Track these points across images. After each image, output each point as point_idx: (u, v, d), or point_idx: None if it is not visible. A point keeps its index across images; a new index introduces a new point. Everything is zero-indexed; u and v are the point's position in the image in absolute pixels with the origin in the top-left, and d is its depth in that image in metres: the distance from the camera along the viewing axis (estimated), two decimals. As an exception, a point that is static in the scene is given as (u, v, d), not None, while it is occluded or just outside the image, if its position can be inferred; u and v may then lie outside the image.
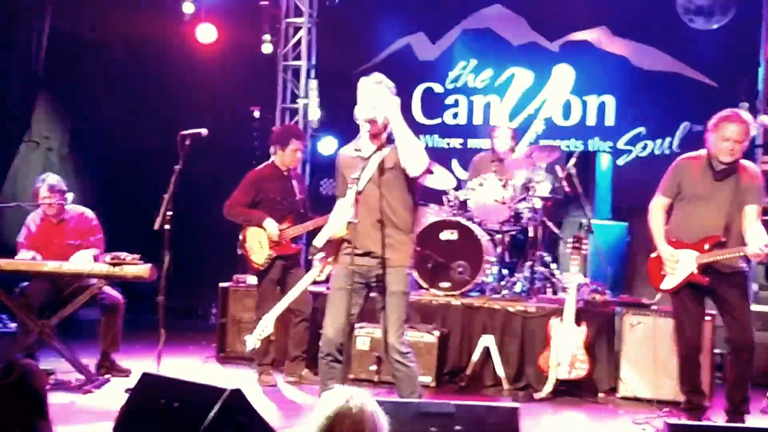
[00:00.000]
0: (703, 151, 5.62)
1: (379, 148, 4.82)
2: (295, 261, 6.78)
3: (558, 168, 7.55)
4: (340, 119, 9.91)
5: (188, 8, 9.28)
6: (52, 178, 6.85)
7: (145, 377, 3.91)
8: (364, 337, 6.86)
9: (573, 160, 7.53)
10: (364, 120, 4.77)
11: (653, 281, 5.76)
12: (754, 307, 6.73)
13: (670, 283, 5.62)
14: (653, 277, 5.74)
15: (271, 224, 6.60)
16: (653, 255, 5.76)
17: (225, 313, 7.80)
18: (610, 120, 9.65)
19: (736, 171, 5.51)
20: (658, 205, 5.73)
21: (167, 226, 5.80)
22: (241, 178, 6.91)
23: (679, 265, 5.54)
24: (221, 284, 7.87)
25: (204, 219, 8.71)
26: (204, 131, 6.06)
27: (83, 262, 6.48)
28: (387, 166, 4.79)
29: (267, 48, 9.52)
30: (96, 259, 6.66)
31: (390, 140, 4.85)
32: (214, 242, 9.58)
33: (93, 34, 9.49)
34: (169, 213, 5.80)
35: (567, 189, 7.43)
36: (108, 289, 6.66)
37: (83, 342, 7.24)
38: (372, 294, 4.96)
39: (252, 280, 7.57)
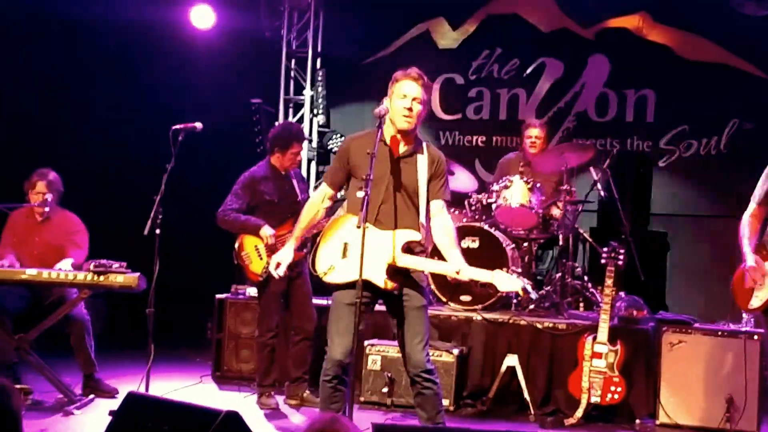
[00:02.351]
0: None
1: (399, 155, 4.80)
2: (300, 269, 6.73)
3: (592, 170, 7.54)
4: (349, 113, 9.98)
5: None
6: (52, 175, 6.93)
7: (131, 397, 3.90)
8: (375, 356, 6.87)
9: (609, 161, 7.52)
10: (390, 119, 4.76)
11: (740, 300, 5.41)
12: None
13: (758, 300, 5.26)
14: (739, 295, 5.41)
15: (267, 230, 6.60)
16: (738, 271, 5.44)
17: (222, 328, 7.82)
18: (650, 116, 9.62)
19: None
20: (746, 213, 5.44)
21: (158, 231, 5.79)
22: (237, 176, 6.90)
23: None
24: (218, 296, 7.88)
25: (198, 223, 8.71)
26: (198, 125, 6.07)
27: (64, 269, 6.51)
28: (403, 179, 4.79)
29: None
30: (80, 263, 6.69)
31: (417, 145, 4.82)
32: (210, 249, 9.57)
33: (78, 18, 9.51)
34: (160, 216, 5.80)
35: (602, 193, 7.41)
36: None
37: (64, 358, 7.25)
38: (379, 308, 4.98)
39: (252, 291, 7.57)
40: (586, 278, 7.72)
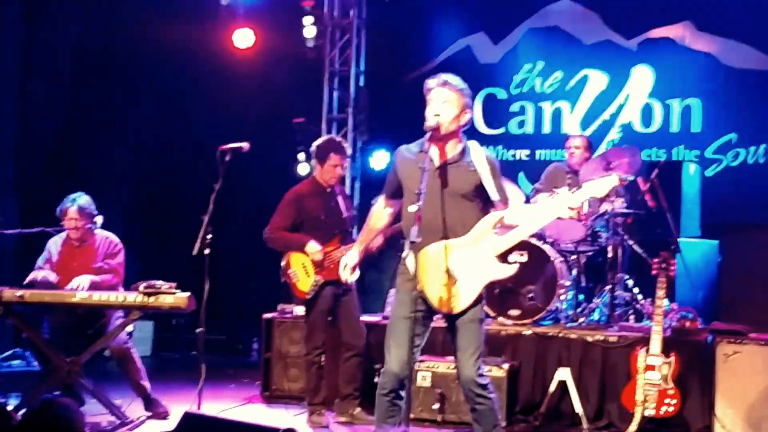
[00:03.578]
0: None
1: (445, 161, 4.79)
2: (347, 286, 6.69)
3: (639, 180, 7.47)
4: (391, 130, 9.98)
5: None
6: (83, 200, 6.91)
7: (188, 418, 3.92)
8: (425, 371, 6.83)
9: (656, 171, 7.45)
10: (426, 127, 4.75)
11: None
12: None
13: None
14: None
15: (313, 247, 6.61)
16: None
17: (270, 347, 7.82)
18: (696, 126, 9.53)
19: None
20: None
21: (207, 251, 5.83)
22: (281, 196, 6.92)
23: None
24: (265, 315, 7.89)
25: (243, 242, 8.77)
26: (245, 146, 6.12)
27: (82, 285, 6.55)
28: (454, 185, 4.77)
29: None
30: (113, 286, 6.75)
31: (463, 152, 4.82)
32: (255, 268, 9.66)
33: (121, 43, 9.66)
34: (209, 236, 5.83)
35: (650, 203, 7.35)
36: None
37: (112, 379, 7.33)
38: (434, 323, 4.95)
39: (299, 309, 7.57)
40: (636, 290, 7.64)
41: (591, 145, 8.15)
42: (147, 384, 6.82)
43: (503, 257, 4.84)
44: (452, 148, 4.81)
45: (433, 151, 4.75)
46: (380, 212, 5.10)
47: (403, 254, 4.82)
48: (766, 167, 9.20)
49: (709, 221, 8.72)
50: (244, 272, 9.75)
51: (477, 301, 4.77)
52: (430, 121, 4.71)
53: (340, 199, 6.89)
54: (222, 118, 9.46)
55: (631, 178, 4.93)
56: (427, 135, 4.72)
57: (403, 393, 4.78)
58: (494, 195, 4.79)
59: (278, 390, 7.73)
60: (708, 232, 8.63)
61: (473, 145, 4.88)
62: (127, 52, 9.65)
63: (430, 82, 4.82)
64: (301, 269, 6.67)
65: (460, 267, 4.70)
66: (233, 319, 10.89)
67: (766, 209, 9.08)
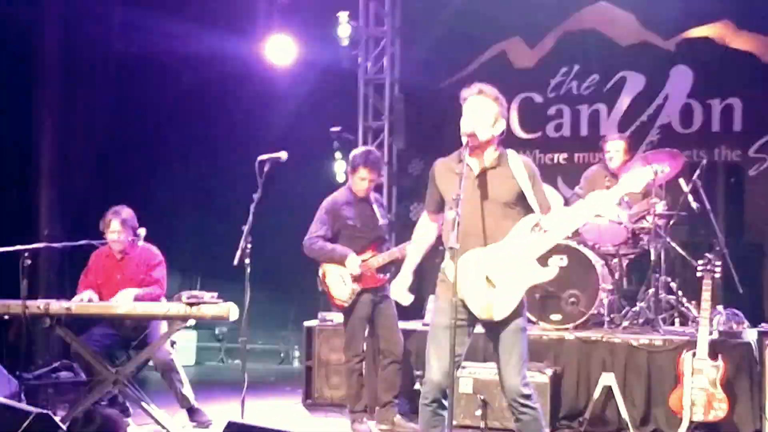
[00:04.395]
0: None
1: (485, 169, 4.71)
2: (384, 294, 6.68)
3: (682, 181, 7.35)
4: (427, 137, 9.93)
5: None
6: (126, 212, 6.94)
7: (231, 427, 3.88)
8: (467, 378, 6.75)
9: (698, 172, 7.32)
10: (462, 134, 4.68)
11: None
12: None
13: None
14: None
15: (353, 261, 6.55)
16: None
17: (311, 355, 7.80)
18: (737, 125, 9.33)
19: None
20: None
21: (247, 261, 5.79)
22: (319, 206, 6.88)
23: None
24: (306, 323, 7.86)
25: (280, 252, 8.74)
26: (284, 155, 6.06)
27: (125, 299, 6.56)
28: (494, 193, 4.68)
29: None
30: (156, 298, 6.74)
31: (501, 160, 4.73)
32: (293, 277, 9.63)
33: (158, 57, 9.68)
34: (249, 246, 5.79)
35: (694, 205, 7.22)
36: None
37: (157, 389, 7.31)
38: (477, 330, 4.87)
39: (340, 317, 7.53)
40: (680, 293, 7.49)
41: (631, 147, 8.01)
42: (191, 394, 6.81)
43: (543, 260, 4.74)
44: (490, 157, 4.73)
45: (471, 160, 4.67)
46: (426, 229, 5.03)
47: (443, 263, 4.75)
48: (808, 166, 9.01)
49: (752, 222, 8.56)
50: (282, 281, 9.72)
51: (519, 309, 4.68)
52: (465, 129, 4.65)
53: (375, 206, 6.83)
54: (260, 127, 9.46)
55: (667, 169, 4.81)
56: (464, 145, 4.65)
57: (445, 402, 4.71)
58: (534, 203, 4.71)
59: (320, 397, 7.73)
60: (752, 233, 8.47)
61: (512, 153, 4.81)
62: (165, 64, 9.66)
63: (465, 92, 4.76)
64: (338, 278, 6.62)
65: (499, 273, 4.61)
66: (273, 328, 10.90)
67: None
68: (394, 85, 9.93)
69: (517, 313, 4.67)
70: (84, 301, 6.56)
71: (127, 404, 6.82)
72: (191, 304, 6.20)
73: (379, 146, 9.72)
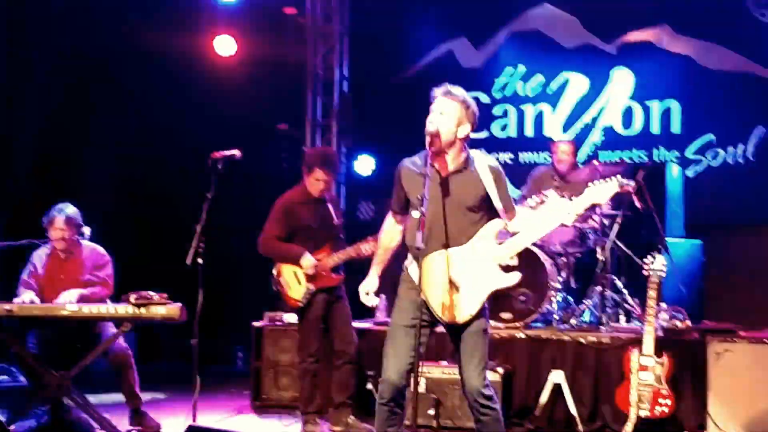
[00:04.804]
0: None
1: (449, 172, 4.69)
2: (338, 294, 6.65)
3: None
4: (376, 135, 9.92)
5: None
6: (71, 209, 6.71)
7: (192, 431, 3.82)
8: (419, 377, 6.71)
9: (642, 173, 7.41)
10: (426, 134, 4.66)
11: None
12: None
13: None
14: None
15: (308, 260, 6.49)
16: None
17: (260, 356, 7.69)
18: (675, 127, 9.54)
19: None
20: None
21: (200, 261, 5.70)
22: (266, 204, 6.80)
23: None
24: (255, 323, 7.77)
25: (224, 251, 8.65)
26: (237, 153, 5.98)
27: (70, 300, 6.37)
28: (458, 196, 4.67)
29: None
30: (102, 299, 6.58)
31: (467, 163, 4.71)
32: (236, 276, 9.54)
33: (101, 52, 9.50)
34: (202, 246, 5.71)
35: (638, 205, 7.31)
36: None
37: (101, 393, 7.18)
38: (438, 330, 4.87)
39: (290, 317, 7.49)
40: (625, 291, 7.59)
41: (577, 150, 8.12)
42: (140, 395, 6.67)
43: (505, 265, 4.74)
44: (455, 159, 4.70)
45: (436, 162, 4.65)
46: (392, 229, 4.96)
47: (406, 262, 4.73)
48: (745, 167, 9.21)
49: (692, 221, 8.71)
50: (224, 280, 9.62)
51: (481, 311, 4.68)
52: (428, 129, 4.63)
53: (330, 206, 6.77)
54: (206, 125, 9.32)
55: (633, 183, 4.83)
56: (427, 145, 4.62)
57: (402, 401, 4.71)
58: (499, 207, 4.70)
59: (269, 399, 7.62)
60: (692, 232, 8.61)
61: (477, 154, 4.77)
62: (109, 60, 9.48)
63: (436, 92, 4.74)
64: (293, 278, 6.55)
65: (463, 276, 4.61)
66: (215, 328, 10.74)
67: (747, 209, 9.10)
68: (342, 83, 9.87)
69: (479, 315, 4.67)
70: (26, 303, 6.33)
71: (71, 409, 6.60)
72: (139, 305, 6.09)
73: (327, 144, 9.69)
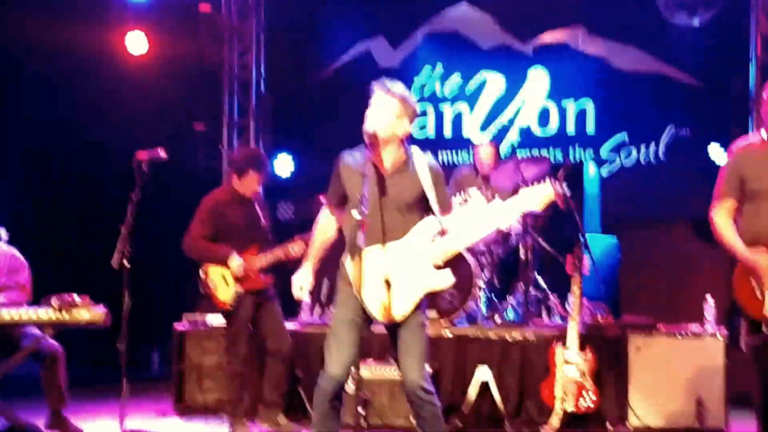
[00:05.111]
0: (762, 133, 4.81)
1: (387, 169, 4.68)
2: (268, 294, 6.59)
3: (549, 181, 7.53)
4: (295, 134, 9.86)
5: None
6: None
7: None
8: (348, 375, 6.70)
9: (562, 172, 7.52)
10: (364, 130, 4.63)
11: (750, 308, 4.68)
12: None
13: None
14: (747, 301, 4.69)
15: (236, 261, 6.40)
16: (738, 279, 4.79)
17: (182, 359, 7.55)
18: (590, 127, 9.73)
19: None
20: (721, 211, 4.80)
21: (126, 263, 5.58)
22: (181, 205, 6.69)
23: None
24: (177, 326, 7.63)
25: (137, 252, 8.48)
26: (163, 153, 5.87)
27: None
28: (396, 194, 4.65)
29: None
30: (19, 304, 6.34)
31: (406, 161, 4.71)
32: (149, 278, 9.34)
33: (8, 47, 9.21)
34: (128, 248, 5.59)
35: (560, 203, 7.41)
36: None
37: (22, 399, 6.95)
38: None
39: (213, 319, 7.41)
40: (547, 288, 7.71)
41: (499, 151, 8.21)
42: (67, 398, 6.49)
43: (440, 266, 4.74)
44: (393, 156, 4.68)
45: (375, 158, 4.63)
46: (327, 223, 4.92)
47: (344, 257, 4.71)
48: (657, 166, 9.46)
49: (608, 218, 8.89)
50: (137, 282, 9.43)
51: (418, 308, 4.68)
52: (366, 126, 4.61)
53: (258, 207, 6.70)
54: (120, 124, 9.12)
55: (567, 193, 4.87)
56: (367, 141, 4.61)
57: (342, 397, 4.69)
58: (434, 205, 4.70)
59: (193, 402, 7.46)
60: (608, 229, 8.79)
61: (417, 152, 4.76)
62: (18, 56, 9.21)
63: (375, 87, 4.70)
64: (221, 279, 6.45)
65: (398, 275, 4.57)
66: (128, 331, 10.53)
67: (659, 206, 9.34)
68: (259, 82, 9.78)
69: (416, 311, 4.67)
70: None
71: None
72: (62, 309, 5.93)
73: (245, 143, 9.59)
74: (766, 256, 4.51)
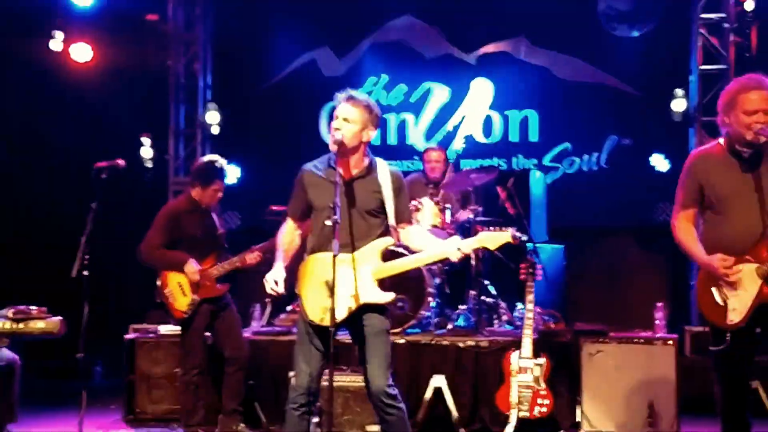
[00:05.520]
0: (719, 141, 4.80)
1: (351, 177, 4.71)
2: (224, 303, 6.57)
3: (499, 189, 7.65)
4: (242, 143, 9.81)
5: (58, 38, 8.95)
6: None
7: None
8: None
9: (511, 180, 7.65)
10: (330, 139, 4.68)
11: (713, 316, 4.63)
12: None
13: (738, 311, 4.54)
14: (709, 310, 4.65)
15: (192, 267, 6.38)
16: (700, 287, 4.71)
17: (132, 369, 7.46)
18: (533, 135, 9.87)
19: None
20: (681, 219, 4.77)
21: (85, 273, 5.50)
22: (126, 214, 6.64)
23: (742, 283, 4.56)
24: (126, 336, 7.55)
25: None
26: (121, 162, 5.84)
27: None
28: (360, 201, 4.70)
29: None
30: None
31: (370, 168, 4.74)
32: (90, 287, 9.20)
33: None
34: (87, 257, 5.51)
35: (511, 211, 7.53)
36: None
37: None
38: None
39: (164, 328, 7.43)
40: (497, 295, 7.79)
41: (447, 157, 8.30)
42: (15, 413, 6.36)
43: (382, 281, 4.73)
44: (357, 164, 4.75)
45: (340, 166, 4.66)
46: (291, 234, 4.94)
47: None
48: (599, 174, 9.63)
49: (554, 226, 9.02)
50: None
51: (381, 310, 4.72)
52: (333, 136, 4.65)
53: (214, 216, 6.70)
54: (68, 133, 8.99)
55: (525, 238, 4.94)
56: (333, 150, 4.64)
57: (312, 406, 4.71)
58: (391, 213, 4.75)
59: (143, 413, 7.38)
60: (554, 237, 8.93)
61: (380, 163, 4.83)
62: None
63: (338, 97, 4.75)
64: (178, 288, 6.41)
65: (340, 282, 4.56)
66: (68, 342, 10.34)
67: (602, 214, 9.52)
68: (206, 92, 9.71)
69: (379, 315, 4.71)
70: None
71: None
72: (18, 320, 5.84)
73: (193, 153, 9.52)
74: (720, 255, 4.55)
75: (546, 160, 9.78)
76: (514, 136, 9.92)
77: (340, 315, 4.61)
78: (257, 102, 9.91)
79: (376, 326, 4.71)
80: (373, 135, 4.77)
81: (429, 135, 9.96)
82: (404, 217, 4.84)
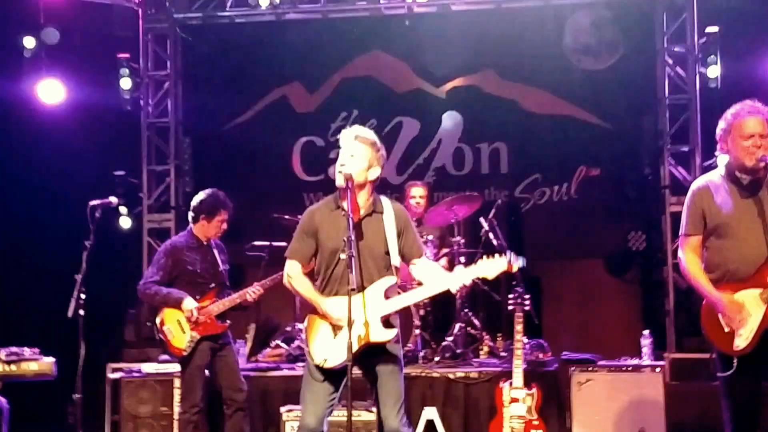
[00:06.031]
0: (719, 169, 4.90)
1: (359, 214, 4.72)
2: (224, 341, 6.49)
3: (482, 220, 7.71)
4: (215, 178, 9.72)
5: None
6: None
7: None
8: (293, 422, 6.64)
9: (494, 211, 7.72)
10: (337, 178, 4.69)
11: (719, 343, 4.67)
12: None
13: (743, 339, 4.59)
14: (716, 336, 4.69)
15: (189, 304, 6.29)
16: (705, 314, 4.77)
17: (117, 409, 7.35)
18: (504, 167, 9.96)
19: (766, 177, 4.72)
20: (688, 249, 4.82)
21: (81, 312, 5.42)
22: (104, 252, 6.53)
23: (746, 312, 4.61)
24: (111, 375, 7.43)
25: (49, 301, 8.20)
26: (114, 200, 5.80)
27: None
28: (368, 239, 4.71)
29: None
30: None
31: (375, 207, 4.76)
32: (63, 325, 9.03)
33: None
34: (83, 297, 5.44)
35: (495, 242, 7.58)
36: None
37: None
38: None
39: (148, 367, 7.33)
40: (479, 325, 7.83)
41: (431, 192, 8.34)
42: None
43: (386, 319, 4.74)
44: (365, 202, 4.76)
45: (351, 203, 4.66)
46: (305, 276, 4.89)
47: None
48: (570, 204, 9.74)
49: (528, 256, 9.07)
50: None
51: (395, 349, 4.72)
52: (342, 171, 4.66)
53: (216, 252, 6.63)
54: (42, 172, 8.85)
55: (521, 264, 5.00)
56: (343, 188, 4.65)
57: None
58: (395, 252, 4.76)
59: (129, 454, 7.28)
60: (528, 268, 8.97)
61: (385, 201, 4.85)
62: None
63: (344, 134, 4.77)
64: (176, 325, 6.32)
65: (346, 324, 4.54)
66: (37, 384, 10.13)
67: (573, 243, 9.61)
68: (178, 128, 9.64)
69: (390, 354, 4.70)
70: None
71: None
72: (10, 362, 5.73)
73: (165, 190, 9.43)
74: (729, 295, 4.62)
75: (517, 191, 9.87)
76: (485, 168, 10.00)
77: (346, 356, 4.52)
78: (229, 137, 9.90)
79: (389, 365, 4.72)
80: (378, 173, 4.78)
81: (400, 168, 9.99)
82: (413, 252, 4.86)
